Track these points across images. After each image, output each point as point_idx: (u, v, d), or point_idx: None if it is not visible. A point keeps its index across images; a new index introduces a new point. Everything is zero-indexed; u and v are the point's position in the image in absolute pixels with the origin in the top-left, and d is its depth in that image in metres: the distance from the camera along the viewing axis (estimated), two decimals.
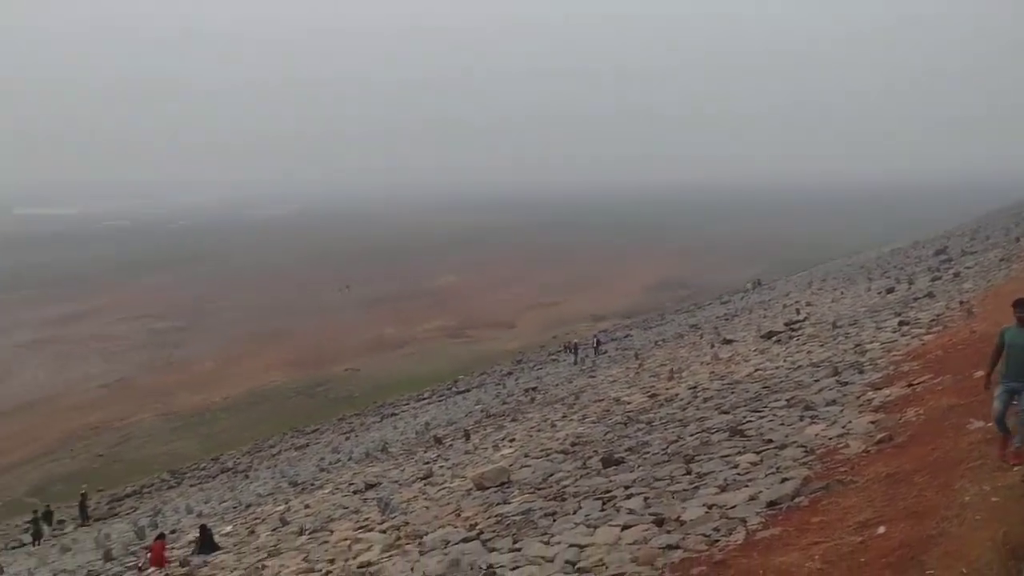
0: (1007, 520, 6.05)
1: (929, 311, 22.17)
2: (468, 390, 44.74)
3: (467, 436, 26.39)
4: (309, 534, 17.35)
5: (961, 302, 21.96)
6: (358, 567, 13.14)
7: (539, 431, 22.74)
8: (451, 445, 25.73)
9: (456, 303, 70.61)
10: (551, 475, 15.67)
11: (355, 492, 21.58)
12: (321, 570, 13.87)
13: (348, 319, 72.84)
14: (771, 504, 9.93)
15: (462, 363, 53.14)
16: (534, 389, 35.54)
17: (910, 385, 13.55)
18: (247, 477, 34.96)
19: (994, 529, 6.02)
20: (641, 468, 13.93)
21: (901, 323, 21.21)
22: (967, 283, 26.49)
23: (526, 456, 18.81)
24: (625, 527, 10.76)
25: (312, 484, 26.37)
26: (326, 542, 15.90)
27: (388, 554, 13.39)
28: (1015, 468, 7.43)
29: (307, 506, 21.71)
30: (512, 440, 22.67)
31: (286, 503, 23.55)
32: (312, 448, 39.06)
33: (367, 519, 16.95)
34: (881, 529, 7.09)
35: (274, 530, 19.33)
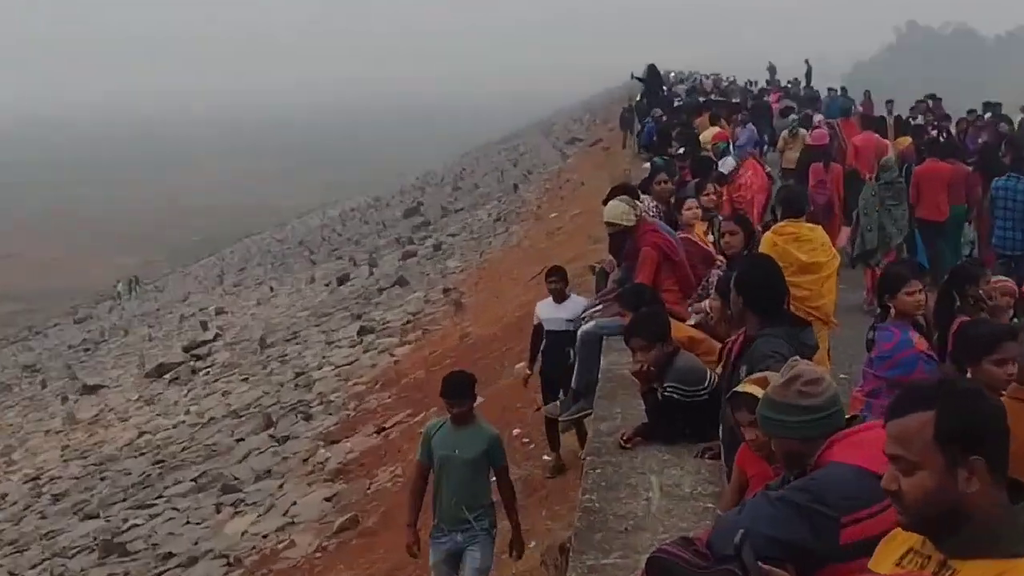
0: None
1: (401, 308, 24.54)
2: None
3: None
4: None
5: (446, 289, 24.70)
6: None
7: None
8: None
9: None
10: None
11: None
12: None
13: None
14: None
15: None
16: None
17: (381, 430, 14.84)
18: None
19: None
20: None
21: (363, 330, 23.13)
22: (452, 259, 29.96)
23: None
24: None
25: None
26: None
27: None
28: None
29: None
30: None
31: None
32: None
33: None
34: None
35: None
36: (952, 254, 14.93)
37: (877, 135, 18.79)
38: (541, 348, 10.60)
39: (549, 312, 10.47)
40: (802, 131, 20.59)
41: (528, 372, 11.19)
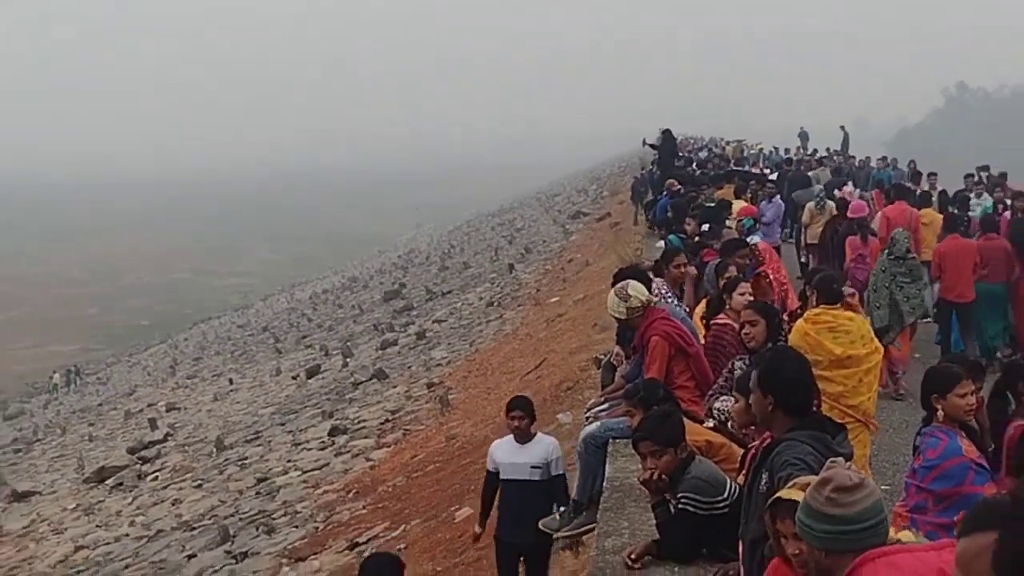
0: None
1: (379, 405, 24.54)
2: None
3: None
4: None
5: (430, 384, 24.73)
6: None
7: None
8: None
9: None
10: None
11: None
12: None
13: None
14: None
15: None
16: None
17: (354, 546, 14.76)
18: None
19: None
20: None
21: (334, 431, 23.10)
22: (438, 349, 29.99)
23: None
24: None
25: None
26: None
27: None
28: None
29: None
30: None
31: None
32: None
33: None
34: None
35: None
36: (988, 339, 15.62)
37: (910, 206, 19.15)
38: (495, 503, 9.51)
39: (509, 455, 9.36)
40: (830, 203, 21.07)
41: (478, 530, 9.91)
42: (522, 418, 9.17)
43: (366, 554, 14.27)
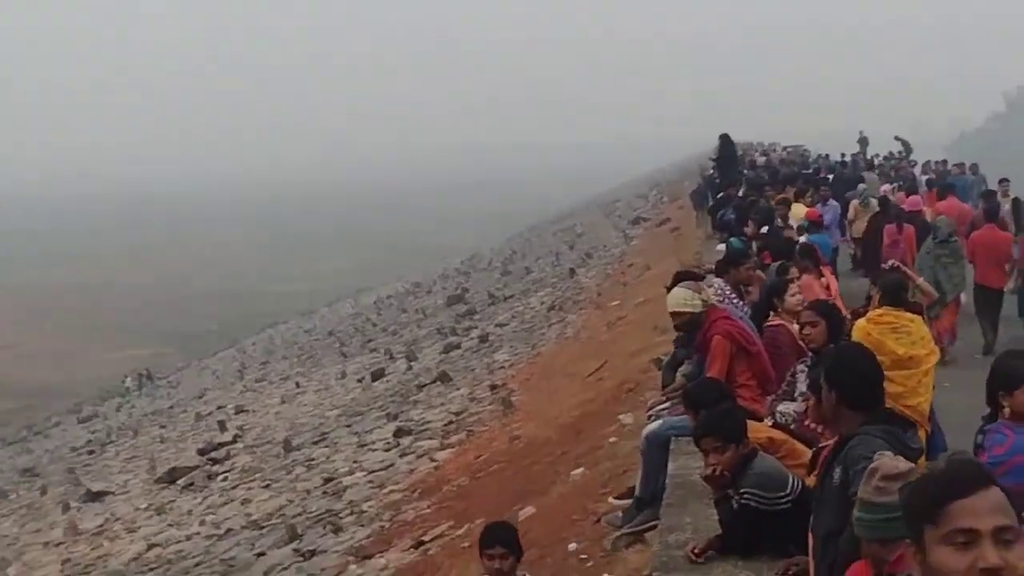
0: None
1: (442, 407, 24.59)
2: None
3: None
4: None
5: (493, 386, 24.76)
6: None
7: None
8: None
9: None
10: None
11: None
12: None
13: None
14: None
15: None
16: None
17: (419, 544, 14.82)
18: None
19: None
20: None
21: (399, 432, 23.18)
22: (501, 352, 30.02)
23: None
24: None
25: None
26: None
27: None
28: None
29: None
30: None
31: None
32: None
33: None
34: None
35: None
36: None
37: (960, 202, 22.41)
38: None
39: None
40: (872, 200, 23.15)
41: None
42: (505, 557, 6.84)
43: (430, 552, 14.37)
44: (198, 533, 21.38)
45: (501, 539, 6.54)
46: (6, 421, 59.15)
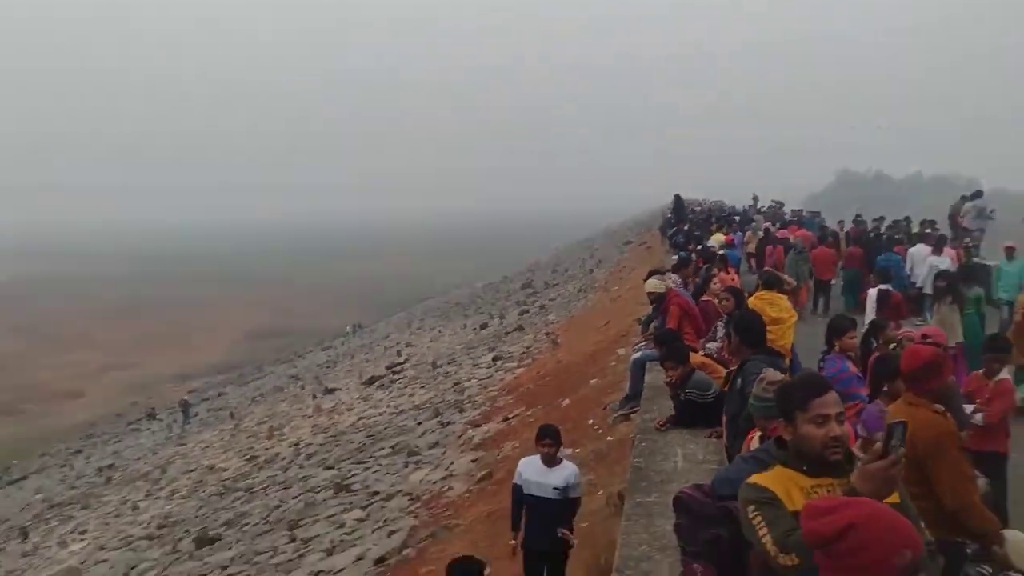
0: (596, 544, 6.87)
1: (519, 344, 24.60)
2: (24, 477, 38.78)
3: (24, 535, 22.86)
4: None
5: (547, 334, 24.74)
6: None
7: (117, 516, 20.58)
8: (2, 550, 22.08)
9: (2, 375, 61.00)
10: (134, 567, 14.22)
11: None
12: None
13: None
14: (379, 561, 10.08)
15: (16, 445, 45.94)
16: (110, 467, 32.08)
17: (506, 419, 14.84)
18: None
19: (587, 553, 6.78)
20: (240, 543, 13.26)
21: (495, 358, 23.22)
22: (551, 314, 29.95)
23: (101, 549, 16.87)
24: None
25: None
26: None
27: None
28: (599, 493, 8.50)
29: None
30: (83, 532, 20.23)
31: None
32: None
33: None
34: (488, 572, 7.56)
35: None
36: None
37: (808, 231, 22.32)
38: (523, 519, 6.52)
39: (536, 475, 6.45)
40: (760, 232, 23.27)
41: (513, 542, 6.60)
42: (551, 445, 6.44)
43: (512, 423, 14.35)
44: (384, 412, 21.56)
45: (549, 435, 6.43)
46: (283, 349, 60.16)
